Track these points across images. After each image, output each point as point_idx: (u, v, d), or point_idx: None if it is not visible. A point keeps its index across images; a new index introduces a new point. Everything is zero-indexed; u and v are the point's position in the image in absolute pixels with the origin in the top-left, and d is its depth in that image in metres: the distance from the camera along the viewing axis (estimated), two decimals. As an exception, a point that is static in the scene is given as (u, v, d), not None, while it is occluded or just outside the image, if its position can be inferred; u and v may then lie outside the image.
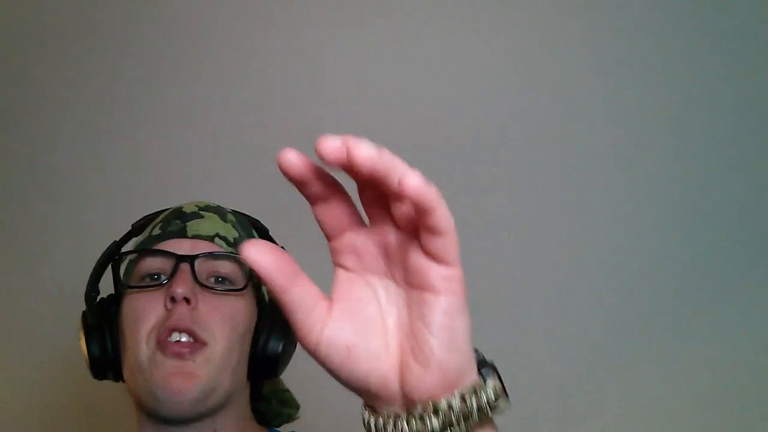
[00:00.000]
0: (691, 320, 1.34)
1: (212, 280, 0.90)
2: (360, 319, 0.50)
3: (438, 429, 0.47)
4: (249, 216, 1.02)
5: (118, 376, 0.92)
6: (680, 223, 1.37)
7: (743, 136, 1.36)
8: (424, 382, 0.48)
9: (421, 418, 0.47)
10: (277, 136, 1.55)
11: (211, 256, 0.90)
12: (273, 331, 0.92)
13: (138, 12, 1.63)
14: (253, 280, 0.92)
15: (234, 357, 0.88)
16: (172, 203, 1.01)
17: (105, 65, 1.63)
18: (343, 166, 0.46)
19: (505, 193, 1.43)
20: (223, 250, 0.91)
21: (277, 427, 1.01)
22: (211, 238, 0.92)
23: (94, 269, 0.94)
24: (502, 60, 1.47)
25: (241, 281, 0.91)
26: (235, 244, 0.93)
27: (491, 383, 0.50)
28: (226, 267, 0.91)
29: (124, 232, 0.98)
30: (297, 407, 1.03)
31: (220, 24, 1.61)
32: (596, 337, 1.36)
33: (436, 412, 0.48)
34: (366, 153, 0.47)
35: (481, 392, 0.49)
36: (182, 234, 0.92)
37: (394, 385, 0.49)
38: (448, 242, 0.48)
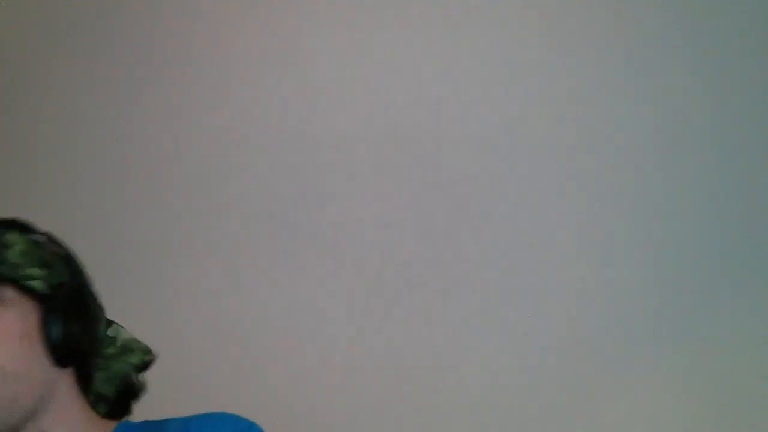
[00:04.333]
0: (690, 321, 1.34)
1: None
2: None
3: None
4: (4, 220, 1.00)
5: None
6: (678, 222, 1.37)
7: (747, 136, 1.36)
8: None
9: None
10: (273, 137, 1.55)
11: None
12: (58, 319, 0.92)
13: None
14: (15, 277, 0.92)
15: (23, 363, 0.89)
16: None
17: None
18: None
19: (502, 192, 1.43)
20: None
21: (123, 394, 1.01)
22: None
23: None
24: (501, 58, 1.47)
25: None
26: None
27: None
28: None
29: None
30: (141, 354, 1.02)
31: (209, 20, 1.61)
32: (593, 338, 1.36)
33: None
34: None
35: None
36: None
37: None
38: None
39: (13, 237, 0.97)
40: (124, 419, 1.01)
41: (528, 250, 1.41)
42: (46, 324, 0.92)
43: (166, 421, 0.97)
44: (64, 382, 0.95)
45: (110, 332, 1.03)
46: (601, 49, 1.42)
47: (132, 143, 1.56)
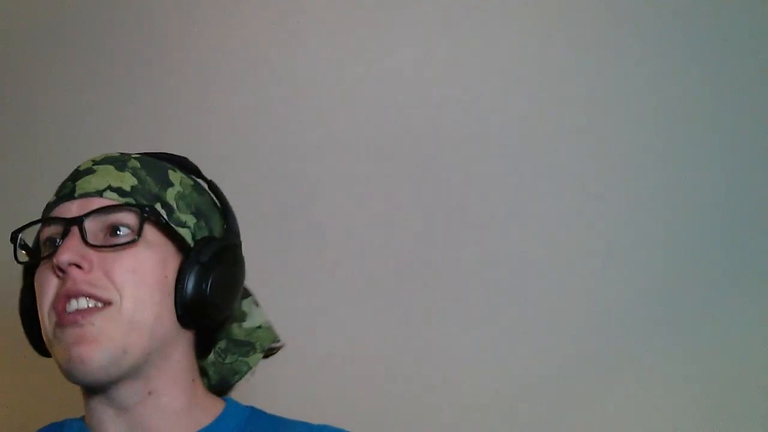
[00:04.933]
0: (688, 321, 1.34)
1: (109, 235, 0.84)
2: None
3: None
4: (174, 155, 0.95)
5: None
6: (678, 223, 1.36)
7: (750, 137, 1.36)
8: None
9: None
10: (276, 138, 1.56)
11: (101, 211, 0.84)
12: (196, 274, 0.85)
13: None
14: (160, 221, 0.86)
15: (146, 313, 0.83)
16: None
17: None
18: None
19: (503, 192, 1.43)
20: (112, 202, 0.85)
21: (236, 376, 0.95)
22: (99, 193, 0.85)
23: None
24: (502, 59, 1.47)
25: (137, 230, 0.84)
26: (132, 192, 0.86)
27: None
28: (122, 218, 0.85)
29: None
30: (260, 351, 0.95)
31: (207, 21, 1.61)
32: (592, 338, 1.36)
33: None
34: None
35: None
36: (71, 196, 0.86)
37: None
38: None
39: (174, 176, 0.91)
40: (226, 395, 0.94)
41: (529, 251, 1.41)
42: (182, 277, 0.85)
43: (283, 420, 0.92)
44: (183, 344, 0.88)
45: (244, 306, 0.97)
46: (603, 49, 1.42)
47: (129, 146, 1.56)
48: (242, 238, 0.97)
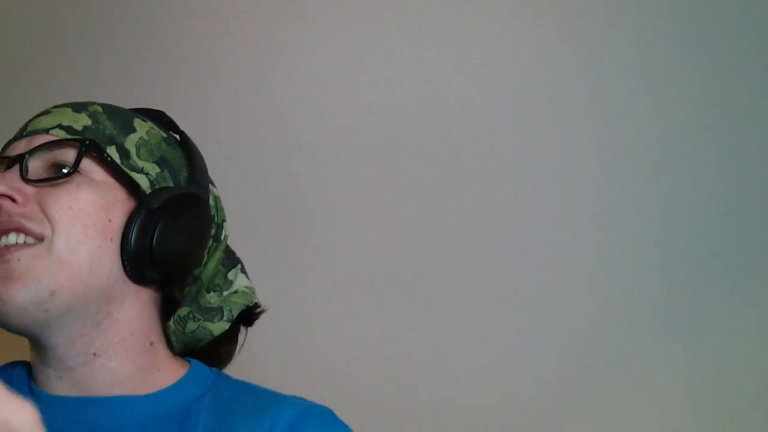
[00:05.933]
0: (691, 320, 1.34)
1: (52, 172, 0.79)
2: None
3: None
4: (152, 110, 0.90)
5: None
6: (680, 221, 1.36)
7: (743, 134, 1.35)
8: None
9: None
10: (286, 137, 1.55)
11: (43, 147, 0.79)
12: (142, 220, 0.78)
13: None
14: (104, 158, 0.79)
15: (80, 254, 0.76)
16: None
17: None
18: None
19: (503, 192, 1.43)
20: (56, 137, 0.80)
21: (202, 342, 0.86)
22: (47, 130, 0.80)
23: None
24: (500, 59, 1.47)
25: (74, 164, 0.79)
26: (83, 132, 0.80)
27: None
28: (65, 155, 0.79)
29: None
30: (226, 320, 0.86)
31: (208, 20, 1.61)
32: (594, 338, 1.36)
33: None
34: None
35: None
36: (20, 135, 0.82)
37: None
38: None
39: (141, 124, 0.85)
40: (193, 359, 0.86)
41: (527, 252, 1.41)
42: (128, 223, 0.78)
43: (252, 387, 0.86)
44: (135, 303, 0.80)
45: (230, 275, 0.90)
46: (603, 51, 1.42)
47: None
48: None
